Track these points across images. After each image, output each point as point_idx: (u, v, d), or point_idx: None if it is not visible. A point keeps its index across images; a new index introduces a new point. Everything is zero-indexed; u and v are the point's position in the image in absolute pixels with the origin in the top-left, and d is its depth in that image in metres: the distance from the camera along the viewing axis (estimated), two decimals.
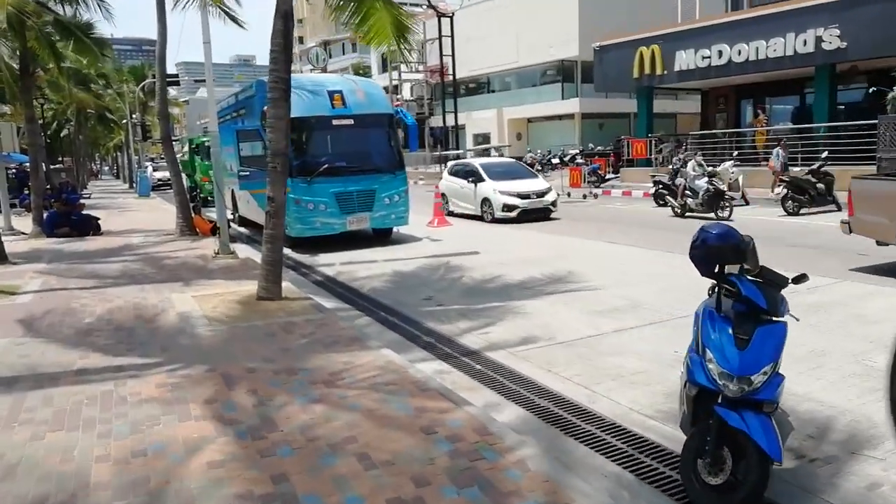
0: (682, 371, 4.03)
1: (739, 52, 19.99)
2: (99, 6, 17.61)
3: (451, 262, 10.48)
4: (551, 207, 15.56)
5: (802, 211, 14.07)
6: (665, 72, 22.38)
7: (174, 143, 18.24)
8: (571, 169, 24.29)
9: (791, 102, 23.89)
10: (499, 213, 15.24)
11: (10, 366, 5.44)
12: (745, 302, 3.25)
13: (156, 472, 3.46)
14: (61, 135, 43.89)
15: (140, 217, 20.35)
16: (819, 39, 18.00)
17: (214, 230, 13.88)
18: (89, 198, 28.62)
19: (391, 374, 4.92)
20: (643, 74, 23.14)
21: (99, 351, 5.81)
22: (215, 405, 4.37)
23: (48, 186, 21.00)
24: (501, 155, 33.41)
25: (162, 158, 44.90)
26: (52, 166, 32.28)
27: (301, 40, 72.83)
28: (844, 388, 4.75)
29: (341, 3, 8.98)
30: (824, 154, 15.02)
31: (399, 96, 43.20)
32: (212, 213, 16.52)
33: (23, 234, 15.47)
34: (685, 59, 21.63)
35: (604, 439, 4.05)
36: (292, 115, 7.83)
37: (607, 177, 24.68)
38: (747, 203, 16.26)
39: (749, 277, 3.35)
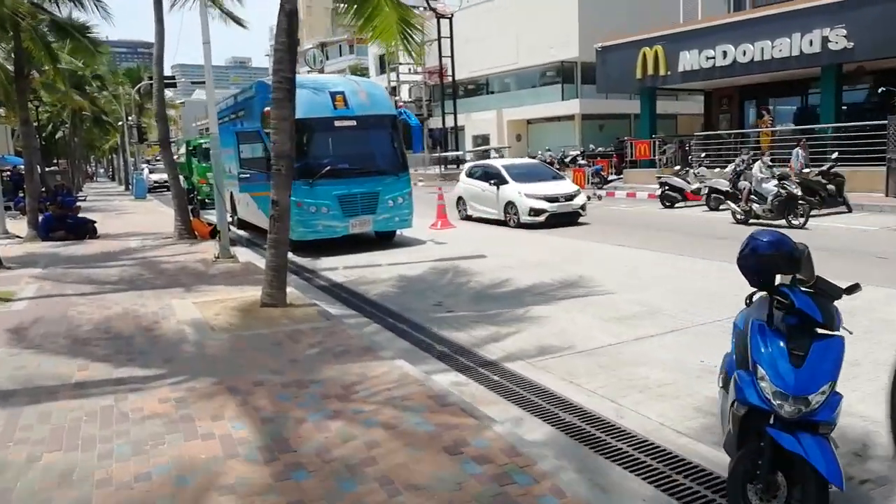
0: (719, 386, 3.81)
1: (744, 53, 19.80)
2: (96, 6, 17.38)
3: (457, 265, 10.24)
4: (580, 212, 14.64)
5: (812, 213, 13.83)
6: (668, 72, 22.18)
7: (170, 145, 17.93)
8: (575, 170, 24.07)
9: (795, 103, 23.72)
10: (525, 218, 14.27)
11: (5, 378, 5.18)
12: (799, 314, 3.01)
13: (162, 499, 3.21)
14: (56, 137, 43.55)
15: (137, 220, 20.08)
16: (825, 40, 17.81)
17: (213, 233, 13.62)
18: (85, 200, 28.32)
19: (407, 387, 4.67)
20: (646, 75, 22.94)
21: (98, 362, 5.55)
22: (222, 422, 4.12)
23: (43, 189, 20.73)
24: (502, 156, 33.20)
25: (158, 160, 44.66)
26: (47, 169, 32.01)
27: (298, 42, 72.49)
28: (882, 399, 4.51)
29: (346, 2, 8.73)
30: (834, 155, 14.81)
31: (397, 98, 42.94)
32: (209, 216, 16.27)
33: (18, 237, 15.19)
34: (689, 59, 21.43)
35: (637, 458, 3.81)
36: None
37: (610, 178, 24.48)
38: None
39: (802, 288, 3.11)
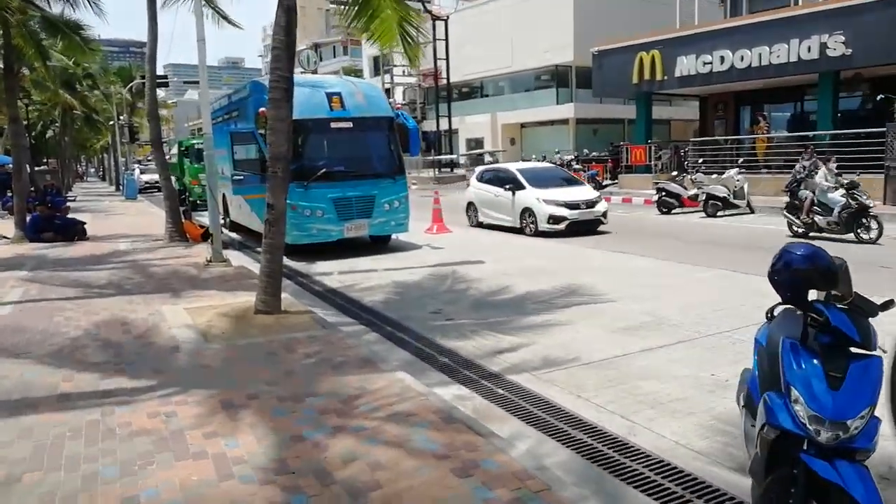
0: (740, 405, 3.63)
1: (742, 58, 19.71)
2: (88, 2, 17.09)
3: (455, 271, 10.03)
4: (602, 219, 13.82)
5: None
6: (665, 77, 22.07)
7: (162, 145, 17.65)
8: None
9: (790, 110, 23.69)
10: (544, 226, 13.44)
11: None
12: (833, 333, 2.83)
13: None
14: (46, 136, 43.10)
15: (127, 221, 19.75)
16: (824, 46, 17.74)
17: (205, 236, 13.37)
18: (74, 200, 27.92)
19: (409, 402, 4.46)
20: (643, 80, 22.83)
21: (84, 372, 5.31)
22: (216, 440, 3.90)
23: (32, 189, 20.36)
24: (496, 160, 33.04)
25: (149, 160, 44.24)
26: (36, 168, 31.57)
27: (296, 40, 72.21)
28: None
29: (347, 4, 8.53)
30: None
31: (392, 100, 42.73)
32: (201, 218, 16.01)
33: (4, 238, 14.88)
34: (686, 64, 21.33)
35: (654, 481, 3.61)
36: None
37: (605, 183, 24.36)
38: (752, 211, 15.94)
39: (838, 305, 2.92)
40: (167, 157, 19.14)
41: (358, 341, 6.13)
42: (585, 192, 14.43)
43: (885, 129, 15.50)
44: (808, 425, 2.74)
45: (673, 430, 4.25)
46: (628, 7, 34.95)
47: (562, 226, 13.37)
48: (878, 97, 17.17)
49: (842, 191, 11.82)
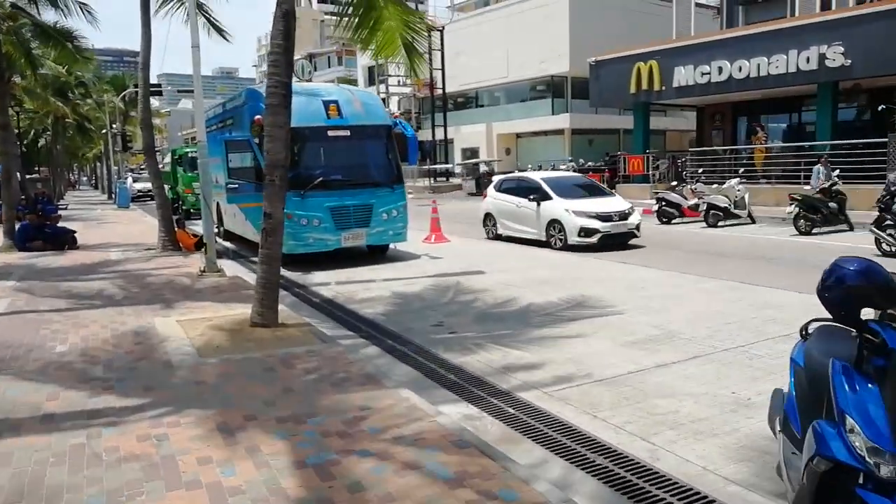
0: (776, 429, 3.39)
1: (740, 69, 19.64)
2: (80, 9, 16.86)
3: (456, 282, 9.78)
4: (635, 232, 12.84)
5: (814, 231, 13.60)
6: (663, 87, 21.99)
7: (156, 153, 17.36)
8: None
9: (787, 120, 23.65)
10: (574, 239, 12.45)
11: None
12: (890, 356, 2.59)
13: None
14: (39, 145, 42.68)
15: (119, 230, 19.43)
16: (823, 57, 17.68)
17: (199, 245, 13.09)
18: (66, 208, 27.56)
19: (416, 423, 4.20)
20: (640, 90, 22.74)
21: (70, 389, 5.02)
22: (210, 467, 3.62)
23: (23, 197, 20.01)
24: (492, 170, 32.87)
25: (143, 169, 43.85)
26: (27, 176, 31.18)
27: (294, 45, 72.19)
28: None
29: (349, 11, 8.32)
30: (836, 172, 14.59)
31: (387, 110, 42.59)
32: (195, 227, 15.72)
33: None
34: (684, 74, 21.25)
35: None
36: None
37: None
38: (753, 222, 15.79)
39: (894, 325, 2.69)
40: (160, 165, 18.82)
41: (359, 356, 5.86)
42: (617, 202, 13.36)
43: (885, 139, 15.39)
44: (866, 458, 2.49)
45: (698, 454, 4.00)
46: (624, 18, 35.01)
47: (594, 239, 12.37)
48: (880, 108, 17.10)
49: None
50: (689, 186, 17.41)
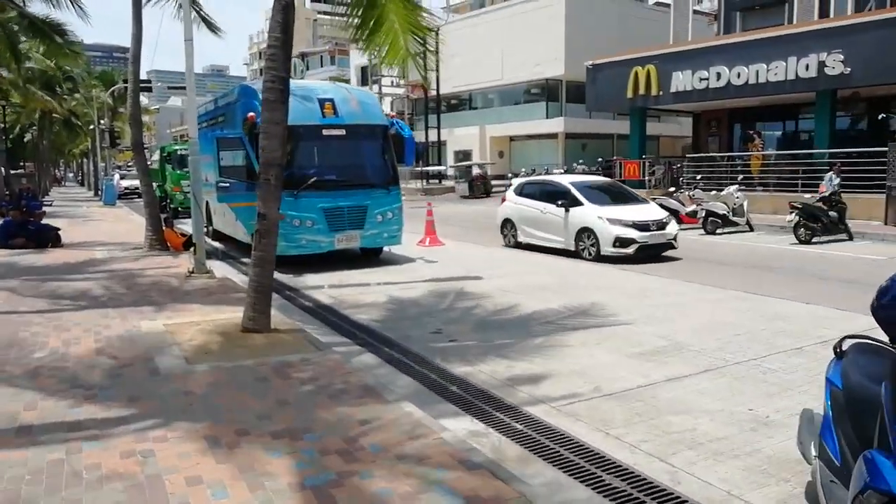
0: (812, 455, 3.17)
1: (738, 75, 19.54)
2: (71, 2, 16.50)
3: (453, 287, 9.52)
4: (673, 243, 11.96)
5: (814, 239, 13.46)
6: (660, 92, 21.85)
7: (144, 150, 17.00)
8: None
9: (784, 128, 23.59)
10: (608, 249, 11.52)
11: None
12: None
13: None
14: (25, 140, 42.05)
15: (105, 227, 19.02)
16: (822, 64, 17.60)
17: (187, 245, 12.76)
18: (51, 205, 27.05)
19: (421, 440, 3.93)
20: (637, 94, 22.60)
21: (49, 398, 4.71)
22: (200, 488, 3.33)
23: (7, 193, 19.58)
24: (485, 173, 32.65)
25: (130, 166, 43.30)
26: (12, 171, 30.66)
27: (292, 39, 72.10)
28: None
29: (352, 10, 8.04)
30: (837, 181, 14.47)
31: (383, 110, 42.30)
32: (183, 226, 15.37)
33: None
34: (682, 80, 21.13)
35: None
36: None
37: None
38: (752, 229, 15.65)
39: None
40: (149, 163, 18.44)
41: (356, 365, 5.59)
42: (653, 210, 12.52)
43: (885, 148, 15.30)
44: None
45: (720, 477, 3.76)
46: (620, 22, 35.01)
47: (630, 249, 11.48)
48: (880, 116, 17.04)
49: None
50: (687, 193, 17.25)
